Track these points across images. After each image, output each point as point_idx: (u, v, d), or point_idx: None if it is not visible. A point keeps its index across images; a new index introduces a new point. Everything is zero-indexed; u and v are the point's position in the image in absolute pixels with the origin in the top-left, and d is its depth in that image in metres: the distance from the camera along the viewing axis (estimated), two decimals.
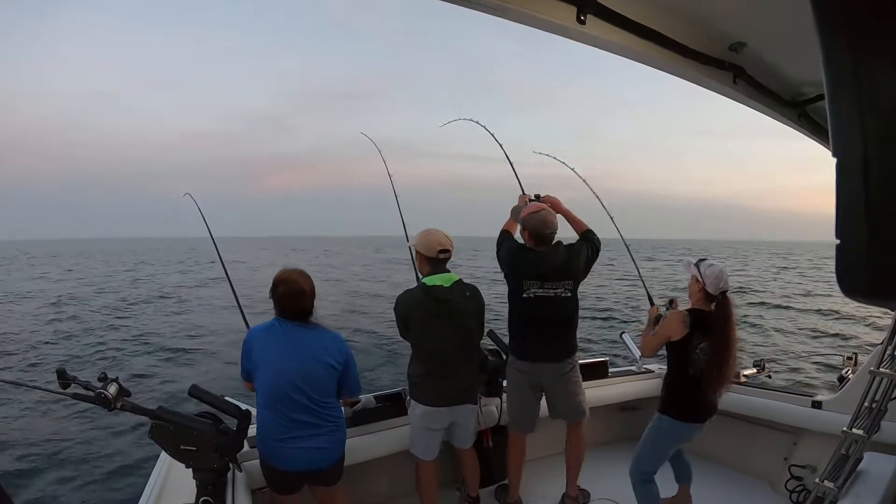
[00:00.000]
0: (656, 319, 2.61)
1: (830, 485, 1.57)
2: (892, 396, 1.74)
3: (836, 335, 12.81)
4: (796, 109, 2.06)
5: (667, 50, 1.47)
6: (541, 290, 2.59)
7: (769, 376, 3.49)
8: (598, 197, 3.44)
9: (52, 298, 18.20)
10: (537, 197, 2.88)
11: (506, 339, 3.09)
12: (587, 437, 2.84)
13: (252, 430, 2.08)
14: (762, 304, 17.95)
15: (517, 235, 2.79)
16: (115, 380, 1.73)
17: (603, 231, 2.93)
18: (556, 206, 2.78)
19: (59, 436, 5.85)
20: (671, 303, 2.61)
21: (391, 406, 2.78)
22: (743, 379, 3.29)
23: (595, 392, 3.22)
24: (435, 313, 2.41)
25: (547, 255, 2.61)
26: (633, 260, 3.87)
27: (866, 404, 1.76)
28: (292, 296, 2.05)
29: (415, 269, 2.68)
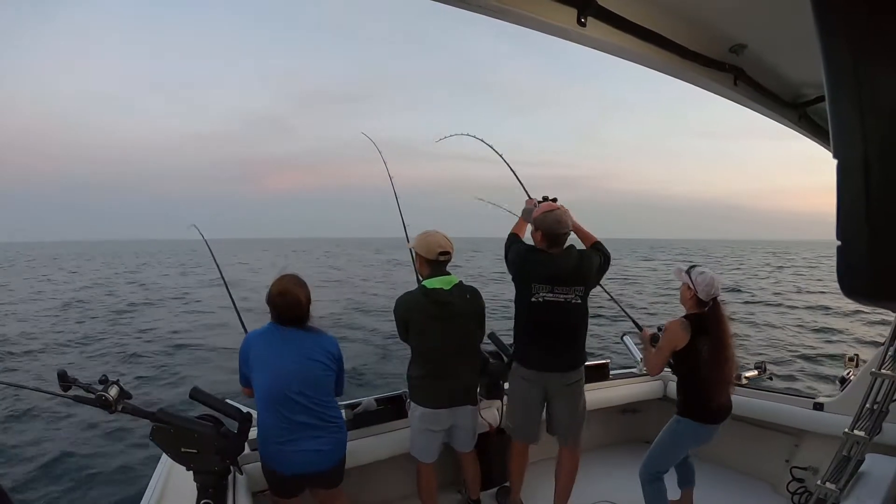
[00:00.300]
0: (652, 339, 2.62)
1: (832, 486, 1.56)
2: (894, 398, 1.74)
3: (825, 329, 12.90)
4: (797, 111, 2.06)
5: (667, 52, 1.47)
6: (551, 295, 2.47)
7: (770, 378, 3.49)
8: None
9: (54, 301, 18.22)
10: (545, 199, 2.75)
11: (507, 342, 3.09)
12: (586, 440, 2.78)
13: (253, 433, 2.08)
14: (758, 302, 18.12)
15: (527, 238, 2.71)
16: (116, 382, 1.74)
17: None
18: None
19: (59, 438, 5.84)
20: (660, 330, 2.61)
21: (392, 409, 2.78)
22: (744, 381, 3.29)
23: (595, 394, 3.22)
24: (434, 316, 2.41)
25: (558, 258, 2.50)
26: (609, 295, 3.52)
27: (868, 406, 1.76)
28: (289, 306, 2.08)
29: (415, 271, 2.68)
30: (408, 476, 2.72)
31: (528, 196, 2.96)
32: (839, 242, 0.57)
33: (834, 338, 12.17)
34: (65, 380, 1.66)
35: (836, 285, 0.59)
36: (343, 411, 2.61)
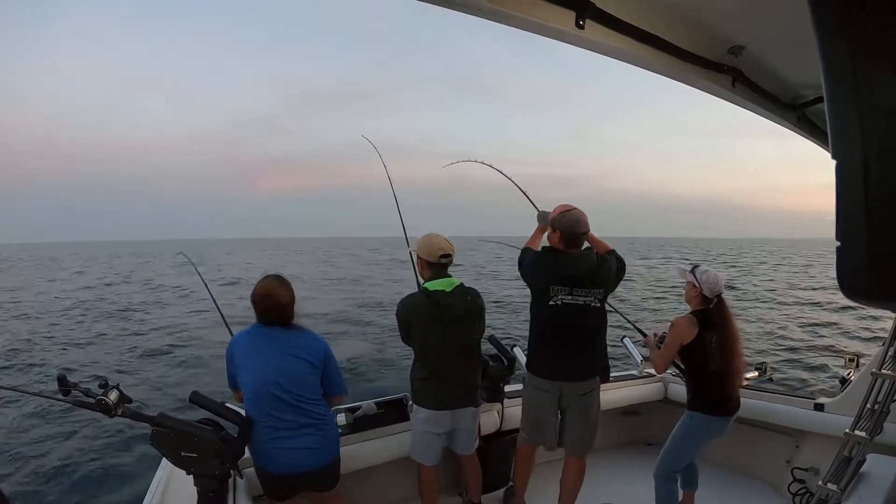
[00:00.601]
0: (659, 341, 2.68)
1: (833, 487, 1.56)
2: (895, 398, 1.74)
3: (818, 325, 12.94)
4: (795, 112, 2.06)
5: (666, 54, 1.47)
6: (569, 298, 2.38)
7: (770, 379, 3.49)
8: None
9: (54, 302, 18.21)
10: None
11: (506, 344, 3.08)
12: None
13: None
14: (755, 299, 18.25)
15: (543, 241, 2.64)
16: (116, 386, 1.74)
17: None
18: None
19: (59, 442, 5.82)
20: (664, 334, 2.66)
21: (392, 412, 2.78)
22: (745, 382, 3.28)
23: None
24: (437, 318, 2.41)
25: (577, 259, 2.42)
26: (612, 306, 3.61)
27: (868, 406, 1.76)
28: (271, 307, 2.09)
29: (415, 273, 2.69)
30: (409, 479, 2.71)
31: (536, 208, 2.92)
32: (838, 243, 0.57)
33: (825, 332, 12.23)
34: (64, 384, 1.66)
35: (831, 284, 0.59)
36: (343, 415, 2.60)
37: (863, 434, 1.64)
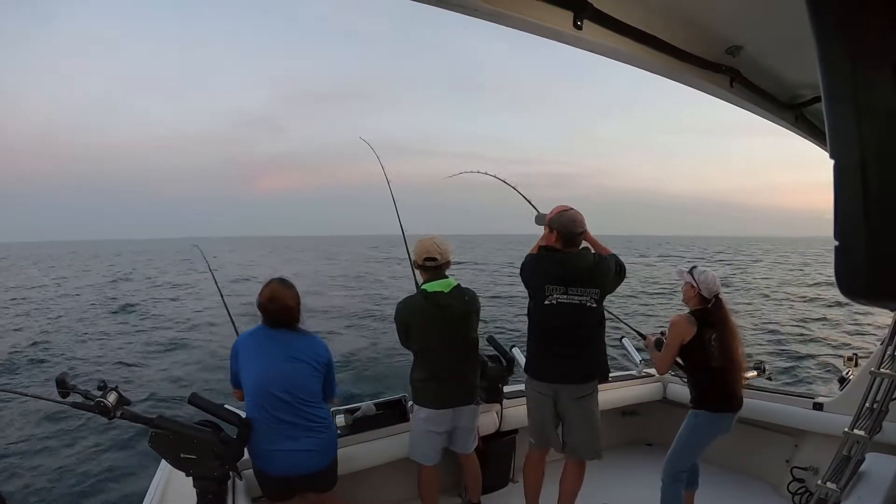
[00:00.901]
0: (657, 343, 2.73)
1: (833, 486, 1.56)
2: (893, 397, 1.74)
3: (816, 321, 12.99)
4: (793, 112, 2.06)
5: (664, 54, 1.47)
6: (565, 297, 2.36)
7: (769, 378, 3.49)
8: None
9: (55, 303, 18.17)
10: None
11: (507, 345, 3.08)
12: None
13: None
14: (753, 297, 18.29)
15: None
16: (115, 388, 1.73)
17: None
18: None
19: (57, 444, 5.81)
20: (663, 335, 2.69)
21: (392, 413, 2.78)
22: (745, 381, 3.28)
23: None
24: (435, 318, 2.42)
25: (573, 257, 2.41)
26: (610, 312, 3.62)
27: (867, 405, 1.76)
28: (278, 311, 2.11)
29: (413, 275, 2.69)
30: (408, 480, 2.71)
31: (537, 211, 2.88)
32: (837, 243, 0.57)
33: (825, 332, 12.25)
34: (63, 386, 1.65)
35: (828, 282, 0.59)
36: (342, 416, 2.60)
37: (862, 433, 1.65)
